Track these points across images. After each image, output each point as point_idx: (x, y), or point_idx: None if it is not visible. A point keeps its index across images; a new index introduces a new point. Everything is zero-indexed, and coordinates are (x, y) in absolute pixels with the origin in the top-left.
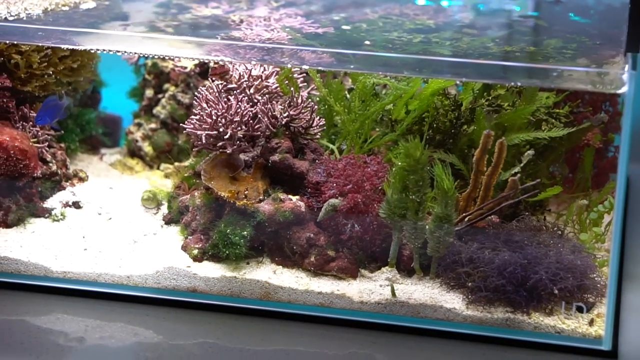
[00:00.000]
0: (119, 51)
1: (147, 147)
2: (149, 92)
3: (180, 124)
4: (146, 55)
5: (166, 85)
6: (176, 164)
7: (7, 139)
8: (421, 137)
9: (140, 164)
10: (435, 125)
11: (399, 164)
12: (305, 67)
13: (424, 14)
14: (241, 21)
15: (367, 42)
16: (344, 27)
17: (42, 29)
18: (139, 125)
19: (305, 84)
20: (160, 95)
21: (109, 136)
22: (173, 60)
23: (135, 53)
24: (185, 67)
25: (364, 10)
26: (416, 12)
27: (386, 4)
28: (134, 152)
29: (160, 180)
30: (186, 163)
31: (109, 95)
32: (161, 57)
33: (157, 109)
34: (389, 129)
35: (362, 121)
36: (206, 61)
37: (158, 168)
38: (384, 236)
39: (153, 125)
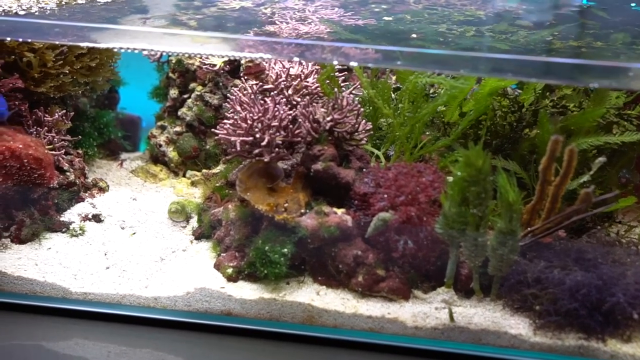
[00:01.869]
0: (144, 49)
1: (171, 153)
2: (174, 92)
3: (212, 129)
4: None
5: (192, 85)
6: (204, 171)
7: (20, 146)
8: (477, 141)
9: (164, 170)
10: (493, 128)
11: (458, 173)
12: (353, 64)
13: (471, 5)
14: (273, 13)
15: (414, 36)
16: (386, 18)
17: (59, 24)
18: (163, 128)
19: (347, 83)
20: (185, 96)
21: (128, 139)
22: (200, 57)
23: (164, 52)
24: (214, 65)
25: (406, 0)
26: (463, 2)
27: None
28: (157, 158)
29: (187, 189)
30: (215, 170)
31: (124, 94)
32: (191, 55)
33: (183, 111)
34: (440, 132)
35: (413, 124)
36: (237, 58)
37: (184, 175)
38: (439, 253)
39: (178, 129)
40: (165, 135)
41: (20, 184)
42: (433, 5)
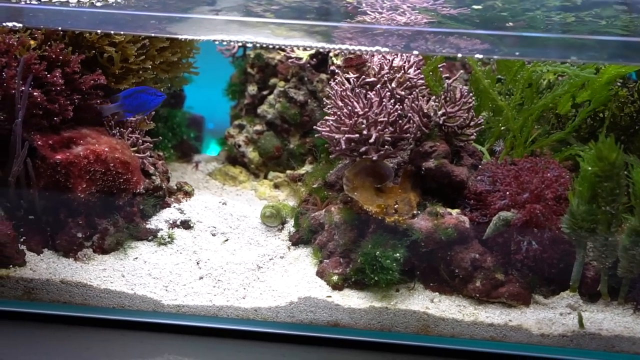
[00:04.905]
0: (247, 42)
1: (251, 153)
2: (252, 89)
3: (314, 127)
4: (251, 44)
5: (273, 80)
6: (288, 172)
7: (106, 149)
8: (592, 134)
9: (243, 172)
10: (611, 119)
11: (589, 168)
12: (478, 56)
13: None
14: (360, 3)
15: (511, 24)
16: (475, 7)
17: (152, 16)
18: (241, 127)
19: (446, 75)
20: (265, 92)
21: (199, 140)
22: (285, 50)
23: (274, 44)
24: (300, 59)
25: None
26: None
27: None
28: (236, 159)
29: (270, 191)
30: (301, 171)
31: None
32: (282, 46)
33: (263, 108)
34: (549, 125)
35: (526, 117)
36: (324, 51)
37: (265, 177)
38: (560, 254)
39: (258, 127)
40: (244, 135)
41: (104, 190)
42: None
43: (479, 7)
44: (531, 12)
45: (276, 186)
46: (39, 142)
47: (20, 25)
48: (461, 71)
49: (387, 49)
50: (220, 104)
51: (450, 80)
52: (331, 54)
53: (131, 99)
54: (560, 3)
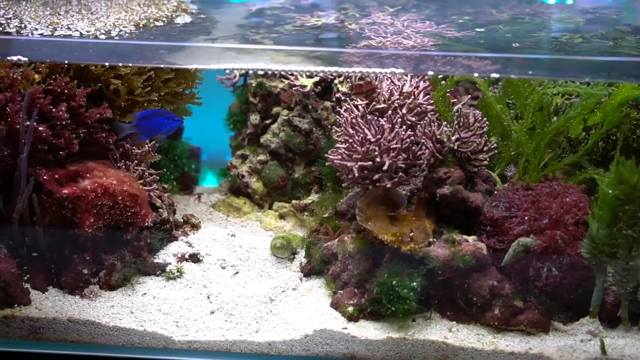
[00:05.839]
0: (259, 69)
1: (255, 183)
2: (255, 118)
3: (326, 155)
4: (253, 73)
5: (276, 109)
6: (294, 202)
7: (114, 182)
8: (605, 157)
9: (247, 203)
10: (624, 142)
11: (610, 192)
12: (494, 75)
13: (562, 11)
14: (362, 29)
15: (516, 45)
16: (478, 29)
17: (159, 45)
18: (244, 157)
19: (454, 100)
20: (268, 121)
21: (197, 172)
22: (288, 79)
23: (286, 71)
24: (305, 86)
25: (487, 11)
26: (552, 10)
27: (508, 3)
28: (239, 190)
29: (275, 222)
30: (307, 201)
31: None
32: (290, 73)
33: (267, 137)
34: (560, 149)
35: (539, 141)
36: (328, 78)
37: (270, 207)
38: (579, 280)
39: (262, 157)
40: (247, 165)
41: (112, 224)
42: (520, 14)
43: (482, 30)
44: (535, 33)
45: (281, 217)
46: (45, 177)
47: (25, 59)
48: (468, 96)
49: (401, 70)
50: (213, 135)
51: (459, 105)
52: (336, 81)
53: (147, 121)
54: (564, 25)
